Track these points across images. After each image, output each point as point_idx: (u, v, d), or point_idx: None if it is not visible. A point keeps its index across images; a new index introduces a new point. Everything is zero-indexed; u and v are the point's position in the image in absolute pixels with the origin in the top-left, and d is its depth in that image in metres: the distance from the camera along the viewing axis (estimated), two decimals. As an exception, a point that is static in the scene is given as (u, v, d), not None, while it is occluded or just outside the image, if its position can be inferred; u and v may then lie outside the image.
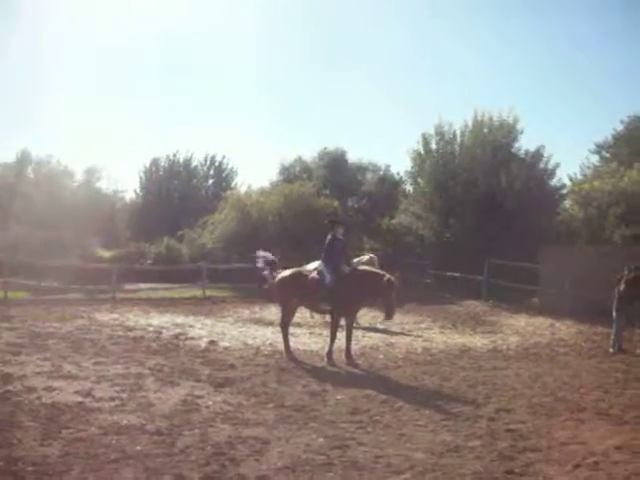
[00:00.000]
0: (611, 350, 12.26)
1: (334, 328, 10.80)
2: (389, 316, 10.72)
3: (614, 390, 9.16)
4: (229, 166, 44.24)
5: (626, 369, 10.76)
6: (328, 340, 10.90)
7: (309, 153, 39.86)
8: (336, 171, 37.19)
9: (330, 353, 10.68)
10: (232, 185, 41.09)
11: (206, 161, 43.87)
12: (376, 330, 14.76)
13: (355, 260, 14.34)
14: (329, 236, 11.10)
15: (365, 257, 15.57)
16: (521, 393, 8.82)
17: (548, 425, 7.21)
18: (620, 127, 37.62)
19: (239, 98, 76.39)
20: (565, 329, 16.03)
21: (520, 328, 16.10)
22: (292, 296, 11.15)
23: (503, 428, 7.02)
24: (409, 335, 14.25)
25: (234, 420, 7.09)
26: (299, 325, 14.32)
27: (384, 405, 7.95)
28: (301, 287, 10.93)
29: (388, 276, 10.46)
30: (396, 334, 14.29)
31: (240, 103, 76.83)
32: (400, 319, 16.51)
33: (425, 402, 8.11)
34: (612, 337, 12.45)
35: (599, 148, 38.42)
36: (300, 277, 11.12)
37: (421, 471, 5.61)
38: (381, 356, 11.56)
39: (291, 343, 11.39)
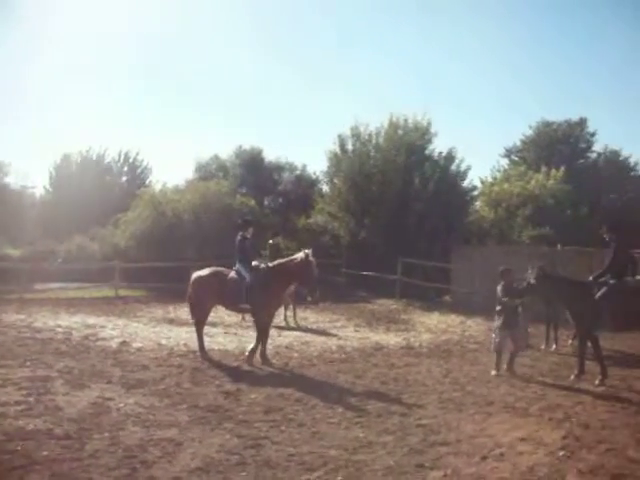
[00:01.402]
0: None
1: (260, 327, 10.73)
2: (313, 293, 10.72)
3: (520, 384, 9.53)
4: (144, 163, 43.40)
5: (532, 364, 11.21)
6: (255, 340, 10.75)
7: (226, 151, 39.64)
8: (253, 170, 37.12)
9: (263, 352, 10.59)
10: (146, 183, 40.26)
11: (120, 157, 42.79)
12: (291, 329, 14.82)
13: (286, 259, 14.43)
14: (239, 236, 11.07)
15: (299, 254, 15.49)
16: (432, 389, 9.06)
17: (457, 419, 7.43)
18: (529, 132, 39.15)
19: (154, 94, 75.04)
20: (475, 326, 16.55)
21: (432, 326, 16.52)
22: (209, 296, 11.02)
23: (414, 423, 7.19)
24: (324, 334, 14.37)
25: (146, 422, 6.96)
26: (214, 325, 14.18)
27: (298, 403, 7.99)
28: (219, 287, 10.83)
29: (305, 255, 10.51)
30: (311, 333, 14.39)
31: (155, 99, 75.38)
32: (315, 318, 16.69)
33: (339, 399, 8.21)
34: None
35: (508, 152, 39.91)
36: (218, 276, 11.01)
37: (334, 468, 5.68)
38: (296, 355, 11.60)
39: (206, 343, 11.27)
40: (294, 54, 77.25)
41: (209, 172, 37.12)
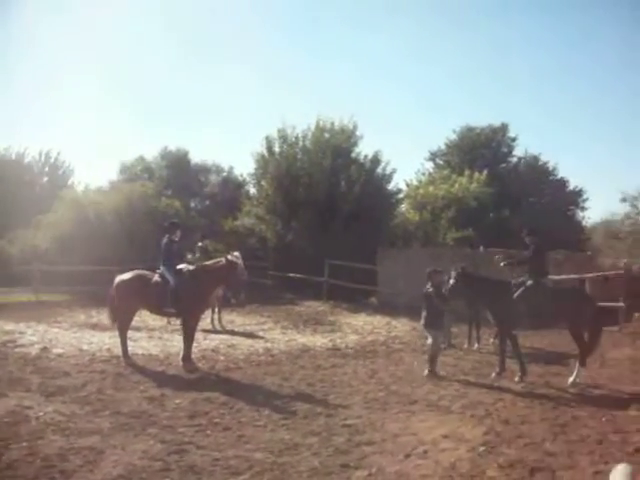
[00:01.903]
0: (442, 346, 13.00)
1: (187, 331, 10.54)
2: (237, 295, 10.64)
3: (443, 383, 9.74)
4: (65, 163, 42.10)
5: (455, 363, 11.47)
6: (182, 345, 10.48)
7: (151, 152, 39.03)
8: (178, 172, 36.66)
9: (187, 357, 10.38)
10: (69, 183, 39.10)
11: (41, 157, 41.35)
12: (217, 332, 14.69)
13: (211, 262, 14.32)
14: (165, 239, 10.88)
15: (229, 256, 15.27)
16: (358, 389, 9.13)
17: (382, 418, 7.51)
18: (453, 137, 40.01)
19: (76, 93, 73.01)
20: (400, 327, 16.81)
21: (359, 327, 16.68)
22: (133, 300, 10.77)
23: (340, 424, 7.24)
24: (251, 336, 14.31)
25: (66, 430, 6.75)
26: (138, 329, 13.89)
27: (224, 407, 7.91)
28: (143, 290, 10.60)
29: (228, 256, 10.43)
30: (238, 335, 14.30)
31: (77, 98, 73.32)
32: (242, 320, 16.60)
33: (265, 402, 8.17)
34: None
35: (433, 156, 40.62)
36: (142, 280, 10.78)
37: (259, 471, 5.65)
38: (222, 358, 11.49)
39: (130, 348, 11.01)
40: (220, 54, 76.71)
41: (134, 174, 36.47)
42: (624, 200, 22.87)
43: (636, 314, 17.76)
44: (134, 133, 72.79)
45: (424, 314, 10.59)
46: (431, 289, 10.57)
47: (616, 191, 47.34)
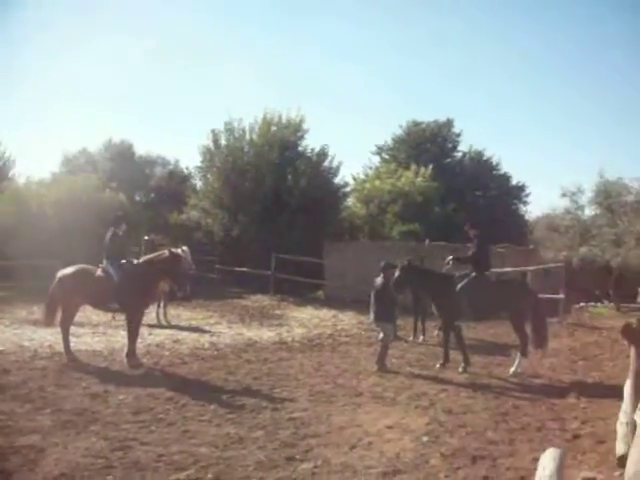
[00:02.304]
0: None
1: (131, 327, 10.33)
2: (184, 289, 10.53)
3: (388, 375, 9.85)
4: (6, 155, 40.85)
5: (400, 355, 11.61)
6: (126, 340, 10.22)
7: (95, 144, 38.29)
8: (123, 164, 36.04)
9: (131, 353, 10.18)
10: (10, 176, 37.99)
11: (-22, 148, 40.00)
12: (163, 327, 14.50)
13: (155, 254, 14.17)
14: (109, 233, 10.66)
15: (177, 251, 14.99)
16: (304, 382, 9.16)
17: (328, 411, 7.56)
18: (399, 131, 40.32)
19: (18, 83, 70.89)
20: (347, 320, 16.93)
21: (305, 320, 16.72)
22: (75, 295, 10.51)
23: (286, 417, 7.25)
24: (196, 331, 14.18)
25: (5, 430, 6.55)
26: (81, 325, 13.60)
27: (169, 403, 7.82)
28: (86, 285, 10.35)
29: (171, 250, 10.30)
30: (183, 330, 14.15)
31: (18, 89, 71.21)
32: (188, 315, 16.45)
33: (210, 397, 8.11)
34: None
35: (380, 150, 40.84)
36: (85, 275, 10.52)
37: (204, 466, 5.62)
38: (167, 353, 11.36)
39: (72, 344, 10.76)
40: (163, 44, 75.51)
41: (77, 166, 35.68)
42: (564, 195, 23.49)
43: (575, 305, 18.31)
44: (77, 124, 71.01)
45: (374, 308, 10.65)
46: (382, 282, 10.65)
47: (557, 187, 48.75)
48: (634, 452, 1.99)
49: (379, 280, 10.73)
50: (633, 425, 4.60)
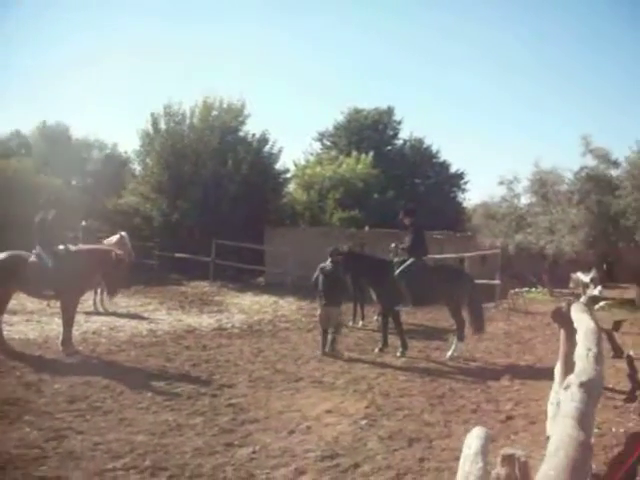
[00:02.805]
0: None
1: (66, 314, 10.04)
2: (113, 293, 10.39)
3: (328, 360, 9.93)
4: None
5: (340, 340, 11.68)
6: (62, 328, 9.90)
7: (28, 127, 37.17)
8: (58, 147, 35.10)
9: (67, 341, 9.90)
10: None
11: None
12: (100, 314, 14.22)
13: (105, 240, 13.85)
14: (37, 218, 10.32)
15: (114, 237, 14.77)
16: (243, 368, 9.15)
17: (267, 397, 7.57)
18: (340, 118, 40.40)
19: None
20: (287, 306, 16.97)
21: (245, 307, 16.68)
22: (8, 282, 10.15)
23: (225, 403, 7.23)
24: (135, 318, 13.94)
25: None
26: (14, 312, 13.20)
27: (105, 391, 7.68)
28: (19, 272, 10.01)
29: (116, 252, 10.10)
30: (121, 317, 13.91)
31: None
32: (126, 302, 16.15)
33: (148, 384, 8.01)
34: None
35: (321, 136, 40.86)
36: (17, 261, 10.17)
37: (141, 453, 5.55)
38: (104, 341, 11.14)
39: (5, 332, 10.41)
40: (105, 23, 73.61)
41: (9, 149, 34.58)
42: (501, 183, 23.94)
43: (511, 291, 18.77)
44: (9, 105, 68.67)
45: (325, 293, 10.61)
46: (330, 267, 10.65)
47: (494, 175, 49.80)
48: (555, 429, 2.07)
49: (328, 265, 10.73)
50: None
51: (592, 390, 2.47)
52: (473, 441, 2.06)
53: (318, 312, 10.78)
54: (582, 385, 2.44)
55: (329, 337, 10.48)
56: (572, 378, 2.61)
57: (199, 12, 76.19)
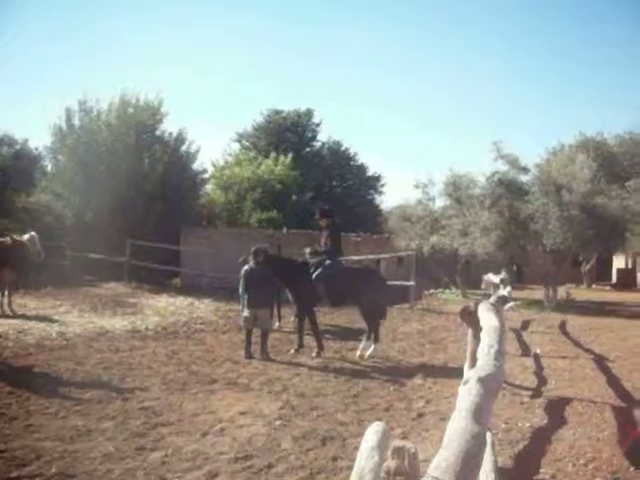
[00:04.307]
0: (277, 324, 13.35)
1: None
2: (25, 278, 10.00)
3: (243, 361, 9.89)
4: None
5: (255, 341, 11.62)
6: None
7: None
8: (-37, 142, 33.52)
9: None
10: None
11: None
12: (6, 317, 13.67)
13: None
14: None
15: (24, 236, 14.10)
16: (157, 371, 8.99)
17: (180, 399, 7.46)
18: (260, 119, 40.34)
19: None
20: (203, 307, 16.82)
21: (161, 308, 16.41)
22: None
23: (137, 407, 7.07)
24: (44, 320, 13.45)
25: None
26: None
27: (10, 397, 7.36)
28: None
29: (14, 237, 9.76)
30: (29, 320, 13.41)
31: None
32: (35, 304, 15.61)
33: (56, 389, 7.74)
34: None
35: (240, 137, 40.71)
36: None
37: (48, 460, 5.36)
38: (11, 344, 10.71)
39: None
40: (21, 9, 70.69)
41: None
42: (417, 187, 24.45)
43: (425, 292, 19.21)
44: None
45: (252, 294, 10.41)
46: (258, 267, 10.52)
47: (410, 178, 50.87)
48: (451, 423, 2.15)
49: (252, 265, 10.61)
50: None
51: (490, 385, 2.57)
52: (371, 436, 2.11)
53: (244, 314, 10.59)
54: (480, 380, 2.54)
55: (265, 342, 10.38)
56: (471, 373, 2.71)
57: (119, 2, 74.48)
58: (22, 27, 69.23)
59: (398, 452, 1.71)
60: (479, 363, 3.19)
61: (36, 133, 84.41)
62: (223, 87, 78.30)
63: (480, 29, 76.31)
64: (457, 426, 1.98)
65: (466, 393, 2.40)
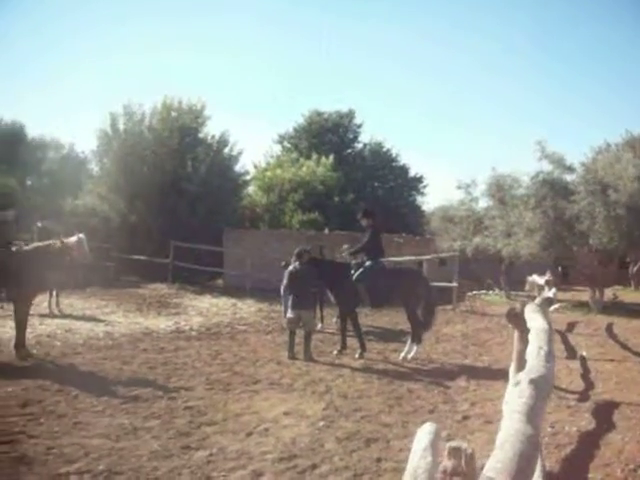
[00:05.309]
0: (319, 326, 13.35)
1: (19, 316, 9.76)
2: (74, 279, 10.11)
3: (286, 362, 9.91)
4: None
5: (299, 342, 11.65)
6: (15, 331, 9.66)
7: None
8: (13, 147, 34.40)
9: (20, 343, 9.63)
10: None
11: None
12: (55, 317, 13.97)
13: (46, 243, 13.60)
14: None
15: (72, 238, 14.33)
16: (201, 371, 9.06)
17: (224, 399, 7.51)
18: (301, 121, 40.49)
19: None
20: (246, 308, 16.92)
21: (204, 309, 16.57)
22: None
23: (182, 406, 7.14)
24: (91, 320, 13.73)
25: None
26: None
27: (59, 394, 7.53)
28: None
29: (63, 240, 9.90)
30: (77, 320, 13.68)
31: None
32: (82, 304, 15.94)
33: (104, 387, 7.87)
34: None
35: (282, 139, 40.90)
36: None
37: (96, 457, 5.45)
38: (59, 344, 10.94)
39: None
40: (62, 20, 72.42)
41: (-39, 148, 33.78)
42: (459, 187, 24.22)
43: (468, 293, 19.01)
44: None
45: (294, 295, 10.51)
46: (300, 269, 10.58)
47: (453, 179, 50.50)
48: (503, 424, 2.12)
49: (296, 267, 10.67)
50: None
51: (541, 387, 2.52)
52: (423, 436, 2.09)
53: (288, 315, 10.67)
54: (532, 382, 2.50)
55: (309, 343, 10.40)
56: (522, 375, 2.67)
57: (161, 9, 75.58)
58: (73, 37, 70.80)
59: (455, 452, 1.69)
60: (529, 365, 3.13)
61: (83, 137, 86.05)
62: (266, 88, 78.74)
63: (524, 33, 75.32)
64: (510, 428, 1.95)
65: (517, 395, 2.37)
